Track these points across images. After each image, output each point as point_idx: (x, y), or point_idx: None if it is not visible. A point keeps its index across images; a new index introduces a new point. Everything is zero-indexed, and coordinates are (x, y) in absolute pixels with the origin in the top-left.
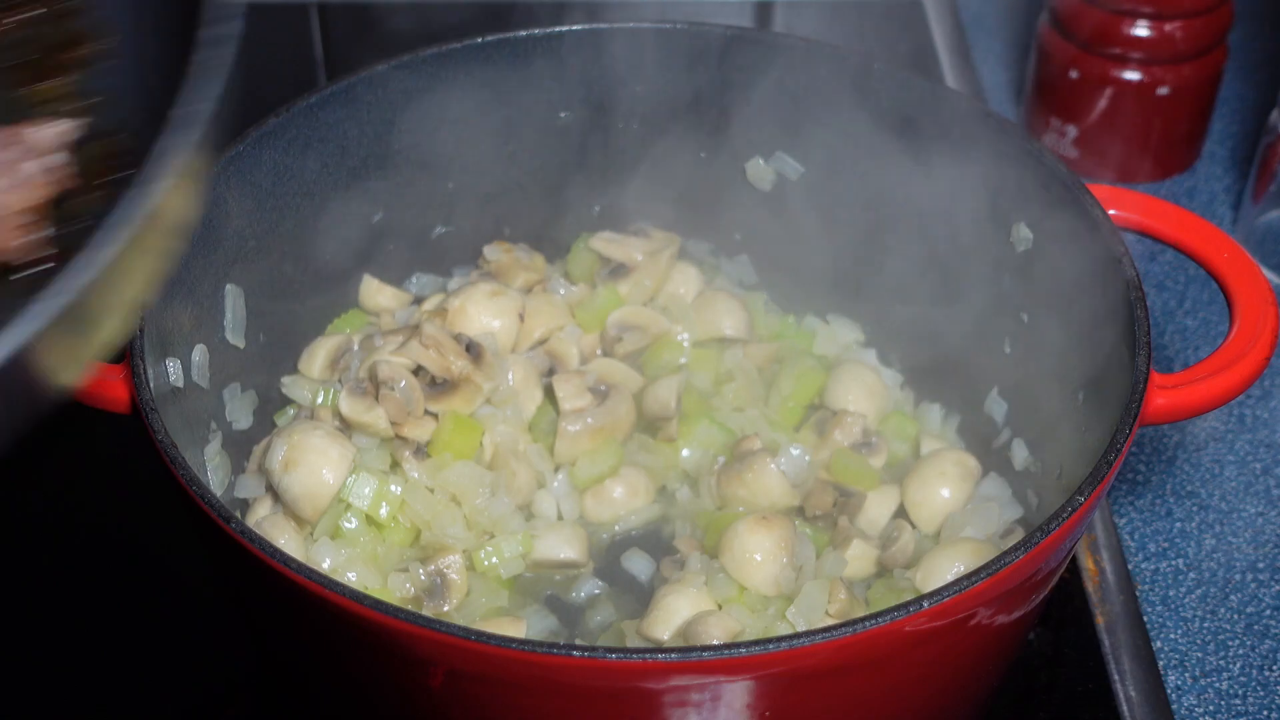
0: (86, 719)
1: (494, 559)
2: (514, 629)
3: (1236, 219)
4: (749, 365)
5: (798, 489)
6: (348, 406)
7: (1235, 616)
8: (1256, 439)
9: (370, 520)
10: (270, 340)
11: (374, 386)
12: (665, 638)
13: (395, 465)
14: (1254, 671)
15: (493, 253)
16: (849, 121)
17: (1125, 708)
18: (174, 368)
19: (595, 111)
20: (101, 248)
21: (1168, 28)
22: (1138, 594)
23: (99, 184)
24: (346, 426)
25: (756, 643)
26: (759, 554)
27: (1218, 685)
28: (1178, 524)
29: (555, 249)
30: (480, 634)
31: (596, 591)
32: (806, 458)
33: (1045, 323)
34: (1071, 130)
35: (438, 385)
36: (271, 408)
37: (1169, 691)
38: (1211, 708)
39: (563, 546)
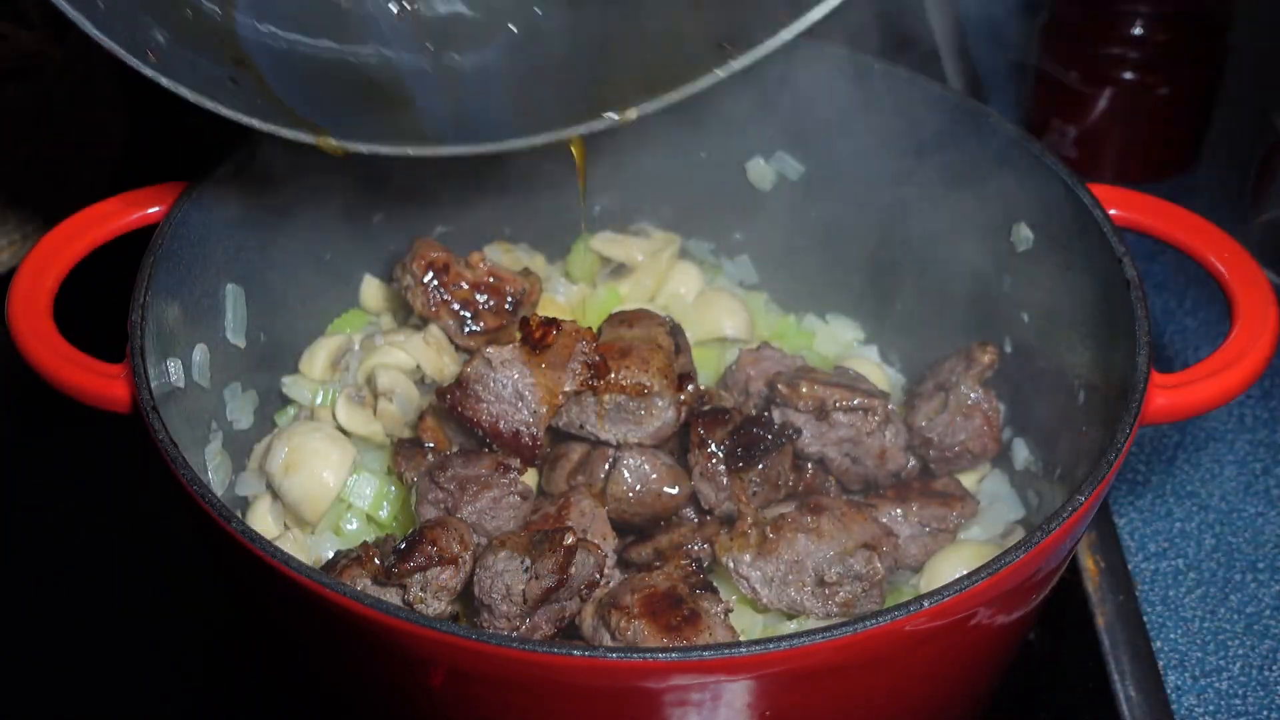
0: (87, 719)
1: None
2: None
3: (1236, 219)
4: None
5: None
6: (345, 417)
7: (1235, 616)
8: (1256, 439)
9: (371, 520)
10: (271, 340)
11: (373, 396)
12: None
13: None
14: (1254, 671)
15: (493, 252)
16: (849, 121)
17: (1125, 708)
18: (175, 367)
19: None
20: None
21: (1167, 28)
22: (1138, 594)
23: None
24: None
25: (756, 642)
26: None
27: (1218, 685)
28: (1178, 524)
29: (555, 249)
30: (480, 633)
31: None
32: None
33: (1045, 323)
34: (1071, 130)
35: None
36: (272, 407)
37: (1169, 691)
38: (1211, 708)
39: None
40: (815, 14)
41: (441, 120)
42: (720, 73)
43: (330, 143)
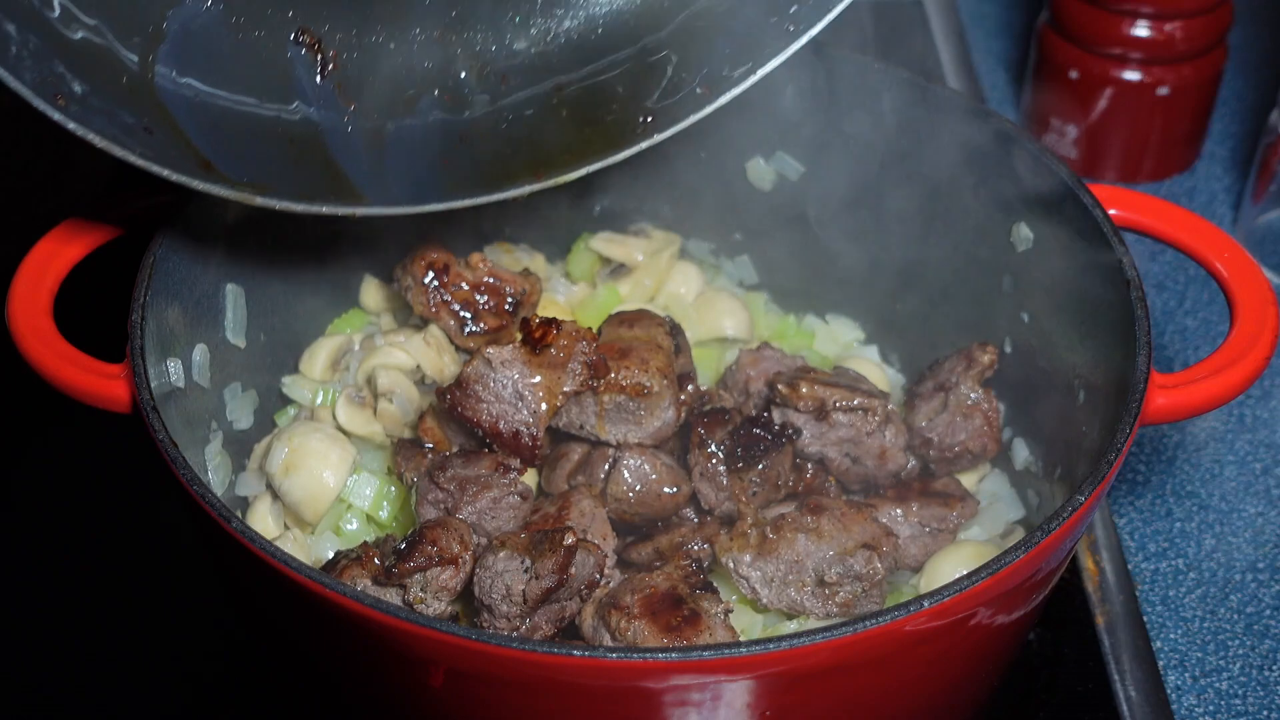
0: (86, 718)
1: None
2: None
3: (1236, 219)
4: None
5: None
6: (345, 417)
7: (1235, 616)
8: (1256, 439)
9: (371, 520)
10: (271, 340)
11: (373, 396)
12: None
13: None
14: (1254, 671)
15: (493, 253)
16: (849, 121)
17: (1125, 708)
18: (175, 367)
19: None
20: None
21: (1168, 28)
22: (1138, 594)
23: None
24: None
25: (756, 642)
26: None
27: (1218, 685)
28: (1178, 524)
29: (555, 249)
30: (480, 634)
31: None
32: None
33: (1045, 323)
34: (1071, 130)
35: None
36: (272, 407)
37: (1169, 691)
38: (1211, 708)
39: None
40: (728, 95)
41: (364, 179)
42: (642, 144)
43: (249, 198)
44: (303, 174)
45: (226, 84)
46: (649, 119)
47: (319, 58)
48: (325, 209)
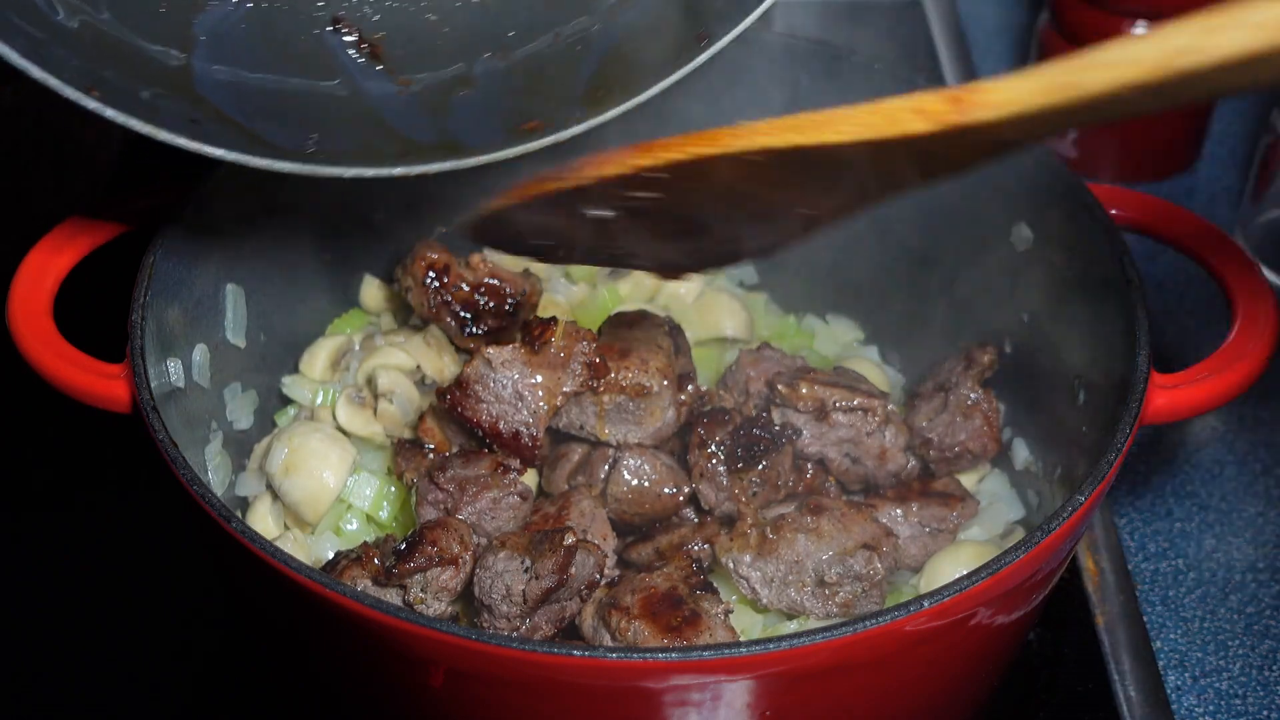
0: (86, 719)
1: None
2: None
3: (1236, 219)
4: None
5: None
6: (345, 418)
7: (1235, 616)
8: (1256, 439)
9: (371, 520)
10: (271, 340)
11: (373, 396)
12: None
13: None
14: (1254, 671)
15: (493, 253)
16: None
17: (1125, 708)
18: (175, 367)
19: None
20: None
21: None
22: (1138, 594)
23: None
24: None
25: (756, 642)
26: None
27: (1218, 685)
28: (1178, 524)
29: None
30: (480, 634)
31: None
32: None
33: (1045, 323)
34: (1071, 130)
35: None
36: (272, 407)
37: (1169, 691)
38: (1211, 708)
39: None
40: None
41: (431, 138)
42: (698, 61)
43: (315, 169)
44: (369, 141)
45: (271, 77)
46: (704, 32)
47: (364, 47)
48: (399, 171)
